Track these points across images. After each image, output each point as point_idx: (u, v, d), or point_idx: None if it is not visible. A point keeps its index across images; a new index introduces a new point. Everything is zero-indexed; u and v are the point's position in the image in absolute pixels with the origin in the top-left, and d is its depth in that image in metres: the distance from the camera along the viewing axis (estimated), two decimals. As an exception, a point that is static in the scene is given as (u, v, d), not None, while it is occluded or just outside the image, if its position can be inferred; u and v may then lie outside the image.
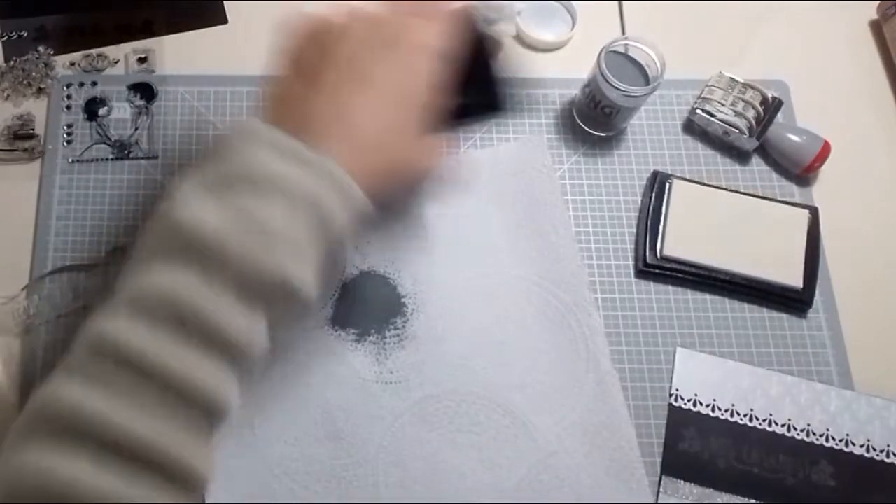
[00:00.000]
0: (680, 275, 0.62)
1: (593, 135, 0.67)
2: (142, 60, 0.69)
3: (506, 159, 0.66)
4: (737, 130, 0.66)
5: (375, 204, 0.44)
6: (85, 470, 0.35)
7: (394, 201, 0.47)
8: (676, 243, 0.62)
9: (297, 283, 0.40)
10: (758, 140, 0.66)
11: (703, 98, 0.67)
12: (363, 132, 0.44)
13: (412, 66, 0.45)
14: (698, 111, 0.67)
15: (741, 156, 0.67)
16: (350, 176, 0.42)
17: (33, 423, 0.37)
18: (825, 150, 0.65)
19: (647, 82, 0.63)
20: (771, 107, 0.66)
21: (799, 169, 0.66)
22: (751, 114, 0.66)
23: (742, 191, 0.65)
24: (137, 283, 0.39)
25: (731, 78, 0.67)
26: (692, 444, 0.57)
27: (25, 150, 0.65)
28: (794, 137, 0.66)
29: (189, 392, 0.37)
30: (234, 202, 0.40)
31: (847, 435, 0.58)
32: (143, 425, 0.36)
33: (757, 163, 0.67)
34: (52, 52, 0.69)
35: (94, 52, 0.69)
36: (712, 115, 0.66)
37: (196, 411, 0.38)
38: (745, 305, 0.62)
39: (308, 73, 0.45)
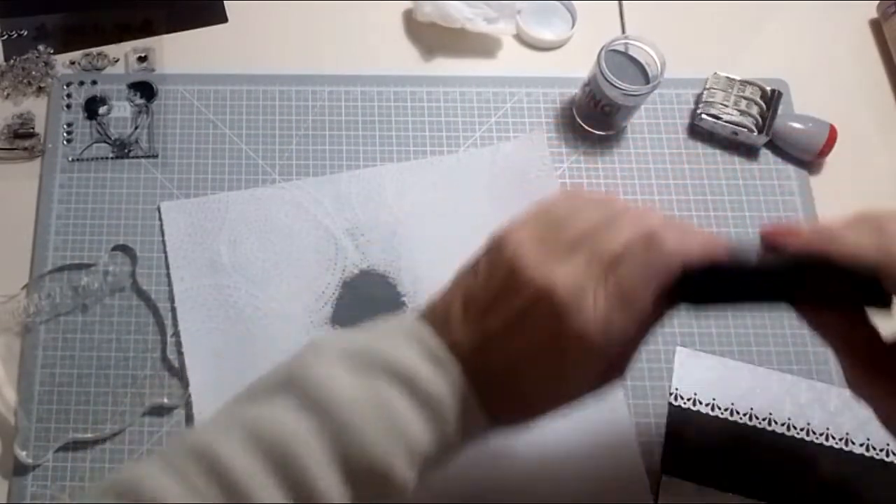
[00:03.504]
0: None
1: (593, 134, 0.67)
2: (142, 59, 0.69)
3: (506, 158, 0.66)
4: (745, 129, 0.66)
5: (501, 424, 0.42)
6: None
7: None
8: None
9: (400, 481, 0.39)
10: (767, 135, 0.66)
11: (706, 102, 0.67)
12: (511, 375, 0.40)
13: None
14: (703, 116, 0.67)
15: (749, 151, 0.67)
16: (482, 404, 0.40)
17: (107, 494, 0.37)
18: (833, 134, 0.65)
19: (647, 81, 0.63)
20: (772, 100, 0.66)
21: (811, 155, 0.66)
22: (754, 110, 0.66)
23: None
24: (258, 412, 0.39)
25: (727, 77, 0.67)
26: (692, 443, 0.57)
27: (25, 148, 0.65)
28: (801, 126, 0.66)
29: None
30: (370, 380, 0.39)
31: (847, 434, 0.58)
32: None
33: (763, 155, 0.67)
34: (52, 51, 0.69)
35: (94, 50, 0.69)
36: (718, 118, 0.66)
37: None
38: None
39: (484, 286, 0.42)
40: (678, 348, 0.60)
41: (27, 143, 0.65)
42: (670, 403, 0.58)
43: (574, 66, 0.69)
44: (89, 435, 0.57)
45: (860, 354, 0.40)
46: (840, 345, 0.40)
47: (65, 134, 0.66)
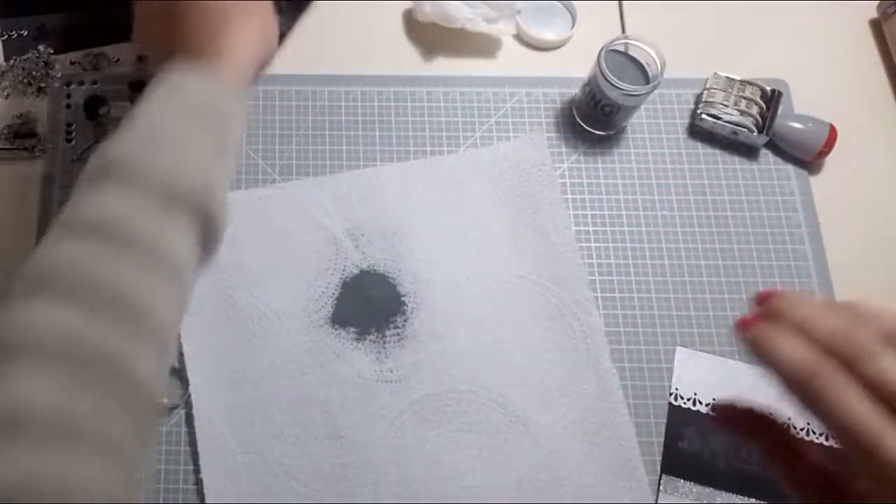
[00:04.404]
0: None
1: (593, 134, 0.67)
2: (142, 59, 0.69)
3: (506, 158, 0.66)
4: (745, 129, 0.66)
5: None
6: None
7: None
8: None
9: (205, 194, 0.42)
10: (767, 135, 0.66)
11: (706, 102, 0.67)
12: (242, 32, 0.48)
13: None
14: (703, 116, 0.67)
15: (749, 151, 0.67)
16: (238, 74, 0.47)
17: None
18: (833, 134, 0.65)
19: (647, 81, 0.63)
20: (772, 100, 0.66)
21: (811, 155, 0.66)
22: (754, 110, 0.66)
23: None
24: (63, 215, 0.41)
25: (727, 77, 0.67)
26: (692, 443, 0.57)
27: (26, 148, 0.65)
28: (801, 126, 0.66)
29: (123, 299, 0.38)
30: (142, 123, 0.43)
31: (847, 434, 0.58)
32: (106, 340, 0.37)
33: (763, 155, 0.67)
34: (52, 51, 0.69)
35: (94, 50, 0.69)
36: (718, 118, 0.66)
37: (136, 321, 0.38)
38: (745, 305, 0.62)
39: None
40: (678, 348, 0.60)
41: (28, 143, 0.65)
42: (670, 403, 0.59)
43: (574, 66, 0.69)
44: (89, 435, 0.57)
45: None
46: None
47: (65, 134, 0.66)
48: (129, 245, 0.39)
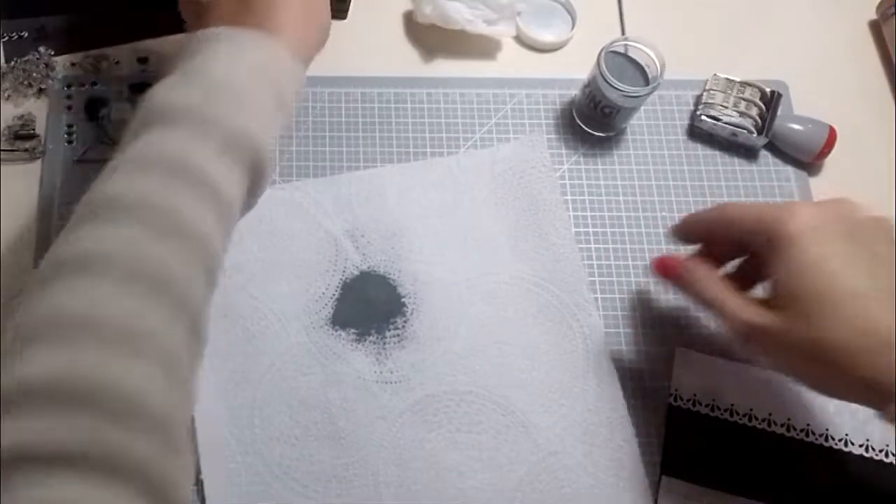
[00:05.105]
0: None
1: (593, 135, 0.67)
2: (142, 60, 0.69)
3: (505, 159, 0.66)
4: (745, 131, 0.66)
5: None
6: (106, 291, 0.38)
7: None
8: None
9: (262, 146, 0.46)
10: (767, 137, 0.66)
11: (705, 104, 0.67)
12: (297, 15, 0.51)
13: None
14: (703, 117, 0.67)
15: (748, 152, 0.67)
16: (296, 57, 0.49)
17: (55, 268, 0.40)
18: (832, 135, 0.65)
19: (647, 82, 0.63)
20: (772, 101, 0.66)
21: (811, 157, 0.66)
22: (754, 111, 0.66)
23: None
24: (130, 150, 0.43)
25: (727, 79, 0.68)
26: (692, 444, 0.57)
27: (26, 150, 0.65)
28: (801, 127, 0.66)
29: (186, 227, 0.41)
30: (208, 76, 0.46)
31: (846, 435, 0.58)
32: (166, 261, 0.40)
33: (763, 156, 0.67)
34: (52, 53, 0.69)
35: (94, 52, 0.69)
36: (717, 120, 0.66)
37: (195, 246, 0.42)
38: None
39: None
40: (678, 349, 0.60)
41: (28, 145, 0.65)
42: (670, 404, 0.59)
43: (574, 68, 0.69)
44: (90, 436, 0.57)
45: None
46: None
47: (66, 135, 0.66)
48: (192, 181, 0.42)
